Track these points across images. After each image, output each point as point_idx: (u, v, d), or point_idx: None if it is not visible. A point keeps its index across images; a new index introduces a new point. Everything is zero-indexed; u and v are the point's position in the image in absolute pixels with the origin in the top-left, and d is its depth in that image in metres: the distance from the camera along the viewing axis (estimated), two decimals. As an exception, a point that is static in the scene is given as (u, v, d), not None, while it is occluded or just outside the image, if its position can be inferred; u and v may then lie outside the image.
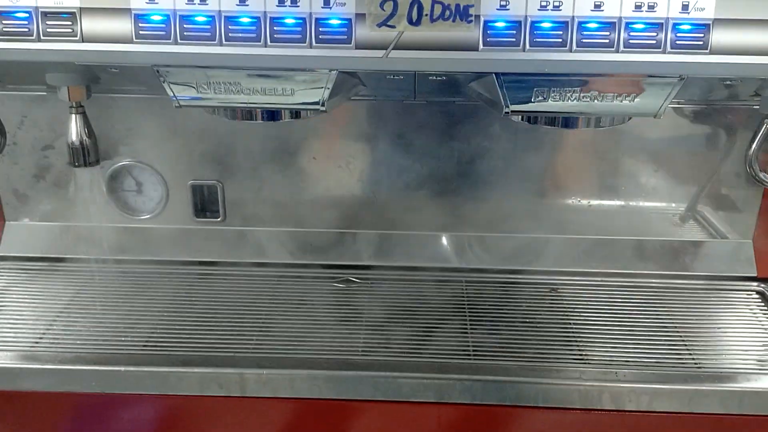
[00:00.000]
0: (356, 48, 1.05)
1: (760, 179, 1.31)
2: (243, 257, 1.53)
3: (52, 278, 1.46)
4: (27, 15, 1.05)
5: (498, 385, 1.15)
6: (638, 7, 1.02)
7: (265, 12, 1.04)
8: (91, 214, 1.52)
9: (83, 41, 1.06)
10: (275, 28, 1.04)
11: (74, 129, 1.29)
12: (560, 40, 1.03)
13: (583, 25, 1.03)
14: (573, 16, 1.03)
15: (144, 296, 1.40)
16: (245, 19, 1.04)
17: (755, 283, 1.46)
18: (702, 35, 1.03)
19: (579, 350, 1.24)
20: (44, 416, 1.20)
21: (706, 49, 1.03)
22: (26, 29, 1.06)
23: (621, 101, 1.10)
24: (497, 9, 1.03)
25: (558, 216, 1.51)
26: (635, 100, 1.10)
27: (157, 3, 1.04)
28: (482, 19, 1.03)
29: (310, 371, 1.17)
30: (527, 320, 1.33)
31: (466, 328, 1.30)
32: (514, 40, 1.04)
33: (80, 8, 1.05)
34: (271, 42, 1.05)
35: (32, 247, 1.54)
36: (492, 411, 1.16)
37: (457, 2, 1.02)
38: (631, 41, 1.03)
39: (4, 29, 1.06)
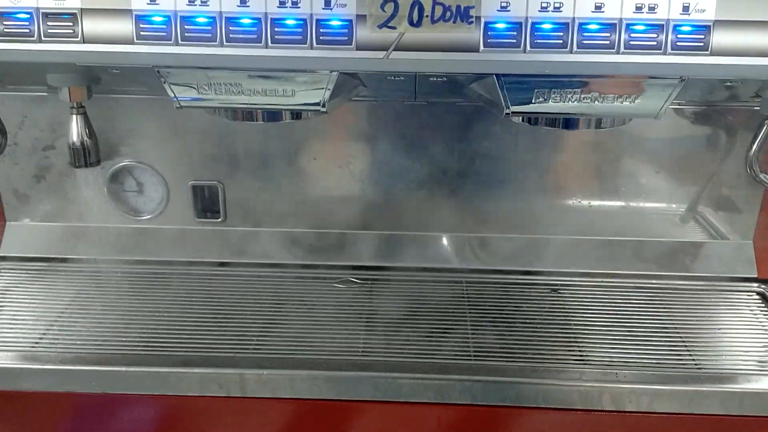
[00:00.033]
0: (357, 49, 1.05)
1: (761, 180, 1.31)
2: (243, 257, 1.53)
3: (53, 278, 1.46)
4: (28, 16, 1.05)
5: (498, 385, 1.15)
6: (639, 9, 1.02)
7: (266, 13, 1.04)
8: (92, 215, 1.52)
9: (84, 42, 1.06)
10: (276, 29, 1.04)
11: (75, 129, 1.30)
12: (561, 41, 1.03)
13: (583, 26, 1.03)
14: (574, 18, 1.03)
15: (144, 297, 1.40)
16: (246, 20, 1.04)
17: (756, 284, 1.46)
18: (703, 36, 1.03)
19: (579, 351, 1.24)
20: (44, 416, 1.20)
21: (707, 50, 1.03)
22: (27, 30, 1.06)
23: (621, 102, 1.10)
24: (498, 10, 1.02)
25: (559, 217, 1.51)
26: (636, 101, 1.10)
27: (158, 4, 1.04)
28: (483, 20, 1.03)
29: (310, 371, 1.17)
30: (528, 321, 1.33)
31: (466, 329, 1.30)
32: (514, 41, 1.04)
33: (81, 9, 1.05)
34: (271, 43, 1.05)
35: (33, 248, 1.54)
36: (492, 411, 1.16)
37: (458, 3, 1.02)
38: (631, 42, 1.03)
39: (5, 30, 1.06)
